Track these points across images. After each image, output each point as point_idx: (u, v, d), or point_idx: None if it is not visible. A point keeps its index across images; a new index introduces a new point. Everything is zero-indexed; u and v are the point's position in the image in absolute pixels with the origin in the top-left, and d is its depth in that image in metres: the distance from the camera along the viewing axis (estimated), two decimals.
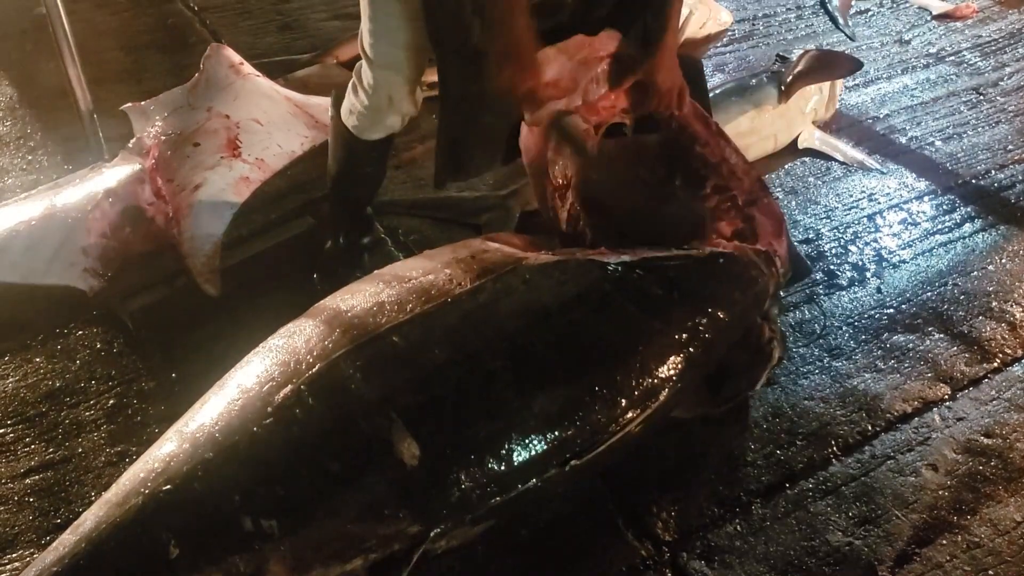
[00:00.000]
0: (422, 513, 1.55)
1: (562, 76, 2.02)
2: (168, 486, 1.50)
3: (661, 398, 1.75)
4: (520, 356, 1.67)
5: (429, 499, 1.55)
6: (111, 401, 2.19)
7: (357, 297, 1.76)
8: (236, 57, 2.87)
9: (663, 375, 1.75)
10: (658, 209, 2.13)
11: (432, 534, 1.56)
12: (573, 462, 1.65)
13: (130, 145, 2.62)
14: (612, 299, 1.79)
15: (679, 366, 1.78)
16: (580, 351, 1.72)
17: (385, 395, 1.58)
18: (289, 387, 1.58)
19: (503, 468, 1.59)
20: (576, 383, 1.68)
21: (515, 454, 1.59)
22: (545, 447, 1.62)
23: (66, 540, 1.51)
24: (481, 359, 1.65)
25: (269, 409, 1.56)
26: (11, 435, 2.11)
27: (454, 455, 1.57)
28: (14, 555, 1.85)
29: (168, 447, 1.57)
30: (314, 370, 1.60)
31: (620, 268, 1.83)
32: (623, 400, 1.70)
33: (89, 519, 1.52)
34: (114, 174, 2.53)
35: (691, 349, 1.80)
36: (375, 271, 1.93)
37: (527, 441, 1.60)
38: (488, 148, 2.22)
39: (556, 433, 1.63)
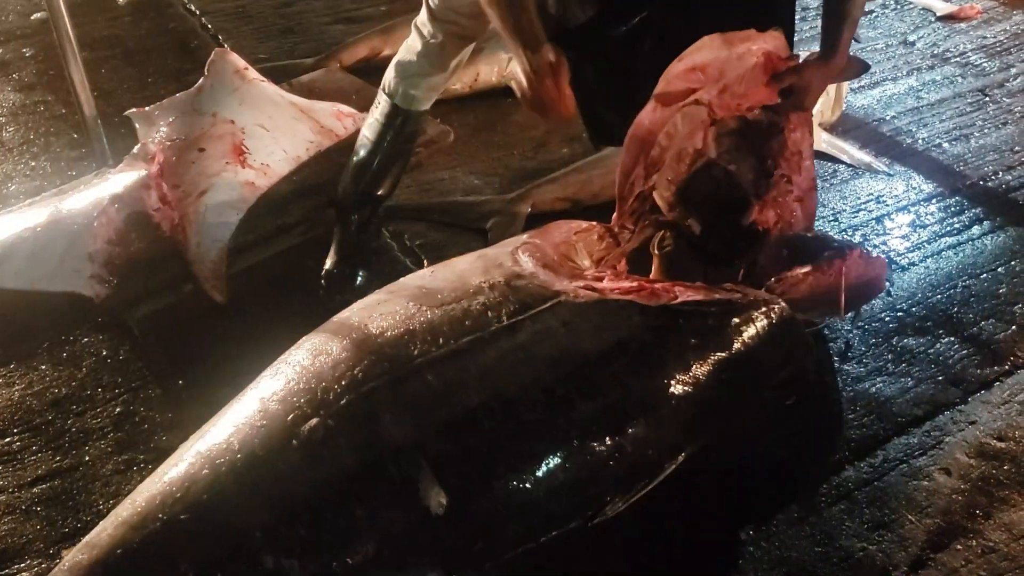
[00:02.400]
0: (444, 561, 1.53)
1: (712, 63, 2.01)
2: (187, 514, 1.48)
3: (690, 452, 1.75)
4: (555, 408, 1.63)
5: (452, 548, 1.53)
6: (118, 409, 2.18)
7: (386, 318, 1.72)
8: (241, 62, 2.85)
9: (696, 432, 1.74)
10: (725, 177, 2.13)
11: None
12: (597, 519, 1.64)
13: (135, 151, 2.60)
14: (651, 350, 1.75)
15: (713, 422, 1.77)
16: (614, 405, 1.68)
17: (416, 439, 1.55)
18: (316, 419, 1.54)
19: (528, 521, 1.58)
20: (608, 439, 1.64)
21: (542, 508, 1.58)
22: (572, 502, 1.61)
23: (81, 561, 1.49)
24: (516, 408, 1.61)
25: (295, 443, 1.52)
26: (17, 443, 2.10)
27: (481, 506, 1.55)
28: (22, 564, 1.84)
29: (186, 468, 1.54)
30: (342, 403, 1.56)
31: (659, 315, 1.79)
32: (653, 457, 1.68)
33: (103, 539, 1.50)
34: (119, 180, 2.51)
35: (727, 404, 1.79)
36: (400, 280, 1.90)
37: (555, 496, 1.58)
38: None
39: (585, 489, 1.62)
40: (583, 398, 1.65)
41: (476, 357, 1.64)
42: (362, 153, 2.39)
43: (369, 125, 2.37)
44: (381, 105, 2.34)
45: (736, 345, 1.83)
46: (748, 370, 1.84)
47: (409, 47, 2.26)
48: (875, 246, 2.63)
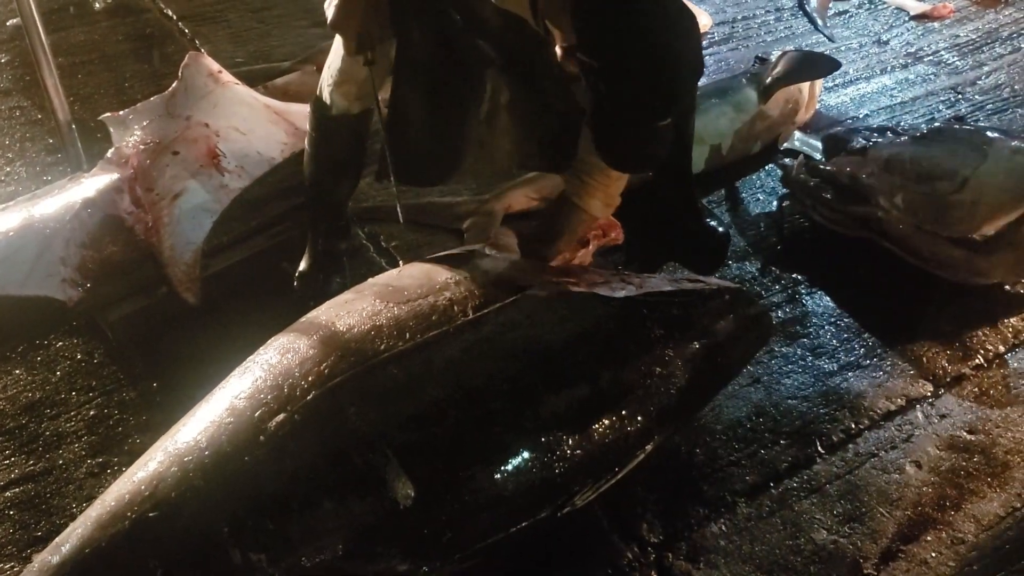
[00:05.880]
0: (412, 552, 1.54)
1: None
2: (156, 512, 1.48)
3: (658, 440, 1.76)
4: (521, 398, 1.63)
5: (420, 539, 1.54)
6: (92, 412, 2.17)
7: (353, 315, 1.72)
8: (215, 65, 2.85)
9: (663, 419, 1.74)
10: None
11: (421, 572, 1.56)
12: (566, 509, 1.64)
13: (109, 155, 2.60)
14: (615, 340, 1.76)
15: (680, 409, 1.78)
16: (581, 395, 1.69)
17: (381, 431, 1.55)
18: (283, 415, 1.54)
19: (497, 511, 1.58)
20: (575, 428, 1.65)
21: (510, 498, 1.58)
22: (541, 492, 1.61)
23: (49, 561, 1.48)
24: (481, 398, 1.61)
25: (262, 438, 1.52)
26: None
27: (448, 497, 1.55)
28: None
29: (155, 467, 1.54)
30: (309, 398, 1.56)
31: (624, 306, 1.80)
32: (621, 446, 1.69)
33: (73, 539, 1.49)
34: (93, 184, 2.50)
35: (693, 391, 1.80)
36: (369, 280, 1.90)
37: (523, 485, 1.59)
38: (445, 153, 1.97)
39: (553, 479, 1.61)
40: (549, 388, 1.66)
41: (441, 350, 1.65)
42: (313, 163, 2.35)
43: (310, 136, 2.32)
44: (319, 112, 2.26)
45: (701, 332, 1.84)
46: (714, 356, 1.85)
47: (335, 50, 2.15)
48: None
